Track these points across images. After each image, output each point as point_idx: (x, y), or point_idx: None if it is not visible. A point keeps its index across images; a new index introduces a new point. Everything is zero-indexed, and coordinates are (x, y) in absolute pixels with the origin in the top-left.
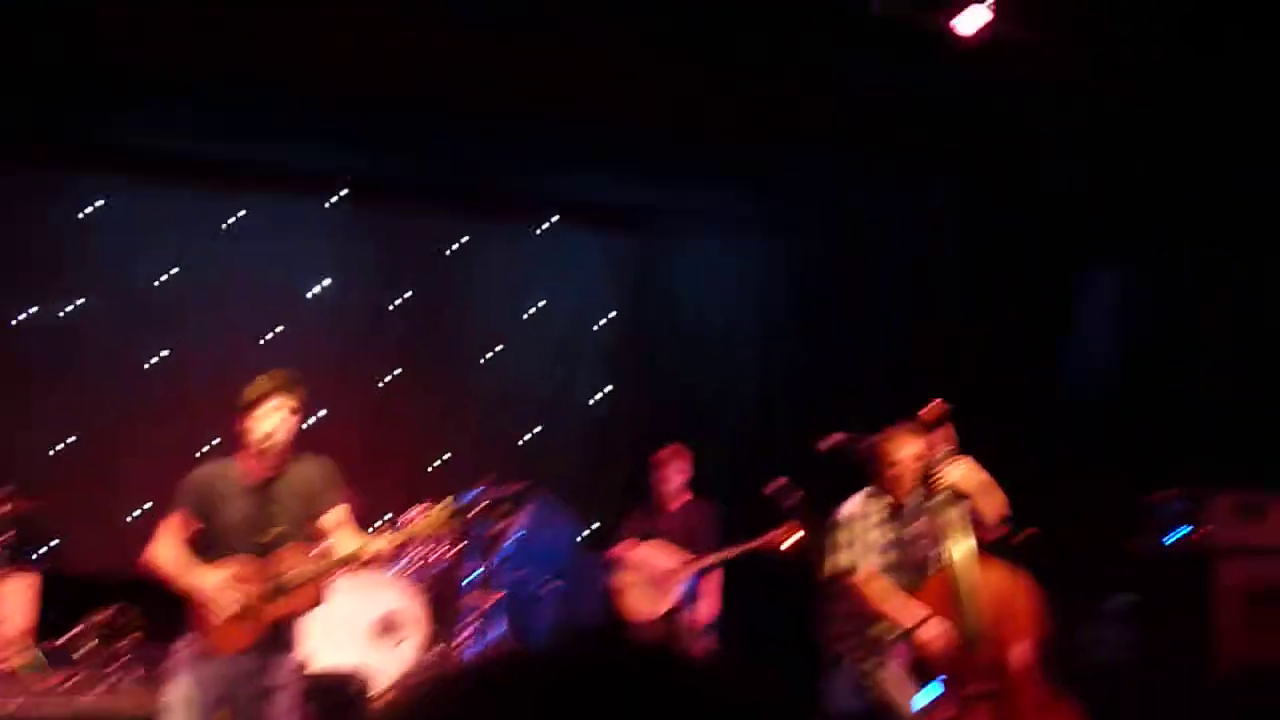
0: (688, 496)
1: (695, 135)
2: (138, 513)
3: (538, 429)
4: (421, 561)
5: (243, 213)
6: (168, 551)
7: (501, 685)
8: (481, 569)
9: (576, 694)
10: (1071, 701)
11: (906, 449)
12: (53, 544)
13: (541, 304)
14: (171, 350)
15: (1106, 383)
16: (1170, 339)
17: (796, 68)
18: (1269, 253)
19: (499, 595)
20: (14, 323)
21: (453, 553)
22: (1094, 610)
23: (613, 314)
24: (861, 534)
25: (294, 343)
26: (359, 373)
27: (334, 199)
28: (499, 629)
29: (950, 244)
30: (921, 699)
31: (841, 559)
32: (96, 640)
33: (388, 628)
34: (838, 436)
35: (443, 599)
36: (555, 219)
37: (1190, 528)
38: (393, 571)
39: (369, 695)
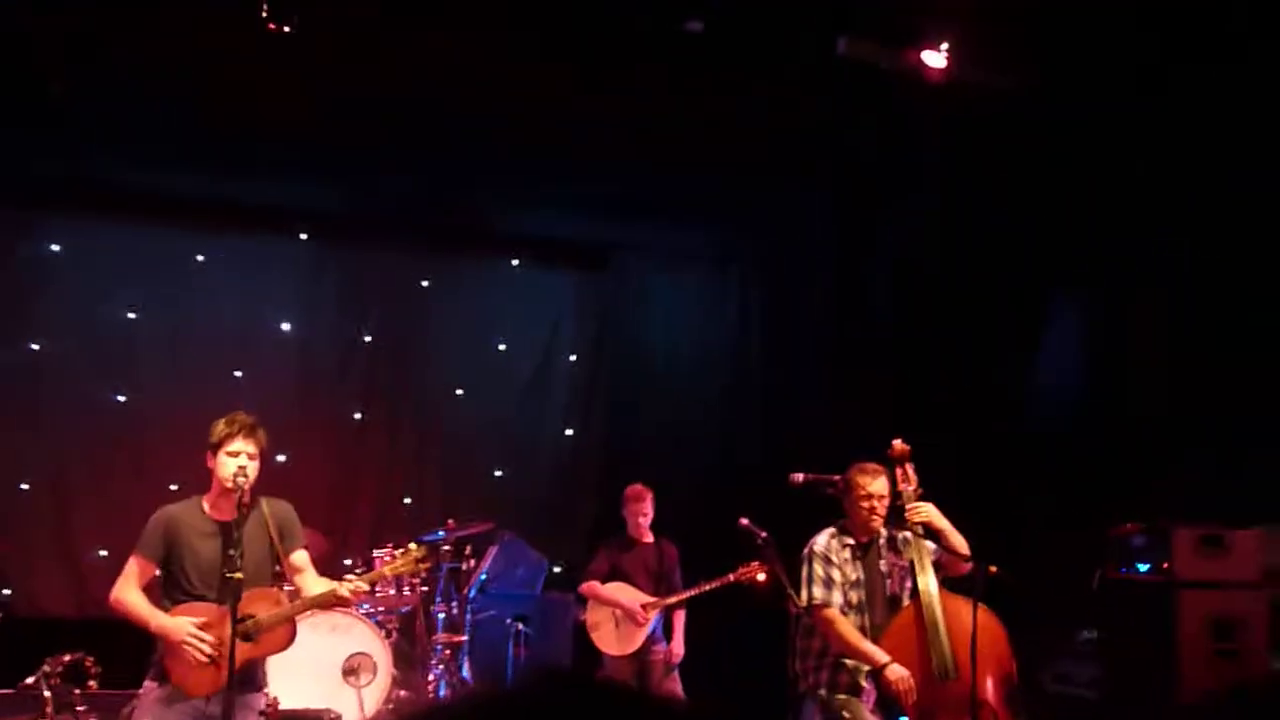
0: (651, 535)
1: (661, 174)
2: (98, 555)
3: (504, 468)
4: (388, 603)
5: (206, 253)
6: (136, 593)
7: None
8: (448, 610)
9: None
10: None
11: (875, 485)
12: (6, 590)
13: (507, 343)
14: (134, 391)
15: (1069, 415)
16: (1132, 369)
17: (762, 106)
18: (1231, 279)
19: (465, 636)
20: None
21: (419, 594)
22: (1060, 644)
23: (579, 352)
24: (828, 569)
25: (258, 383)
26: (324, 412)
27: (300, 238)
28: (465, 670)
29: (917, 280)
30: None
31: (813, 592)
32: (53, 686)
33: (354, 669)
34: (806, 474)
35: (409, 640)
36: (521, 257)
37: (1153, 562)
38: (359, 613)
39: None
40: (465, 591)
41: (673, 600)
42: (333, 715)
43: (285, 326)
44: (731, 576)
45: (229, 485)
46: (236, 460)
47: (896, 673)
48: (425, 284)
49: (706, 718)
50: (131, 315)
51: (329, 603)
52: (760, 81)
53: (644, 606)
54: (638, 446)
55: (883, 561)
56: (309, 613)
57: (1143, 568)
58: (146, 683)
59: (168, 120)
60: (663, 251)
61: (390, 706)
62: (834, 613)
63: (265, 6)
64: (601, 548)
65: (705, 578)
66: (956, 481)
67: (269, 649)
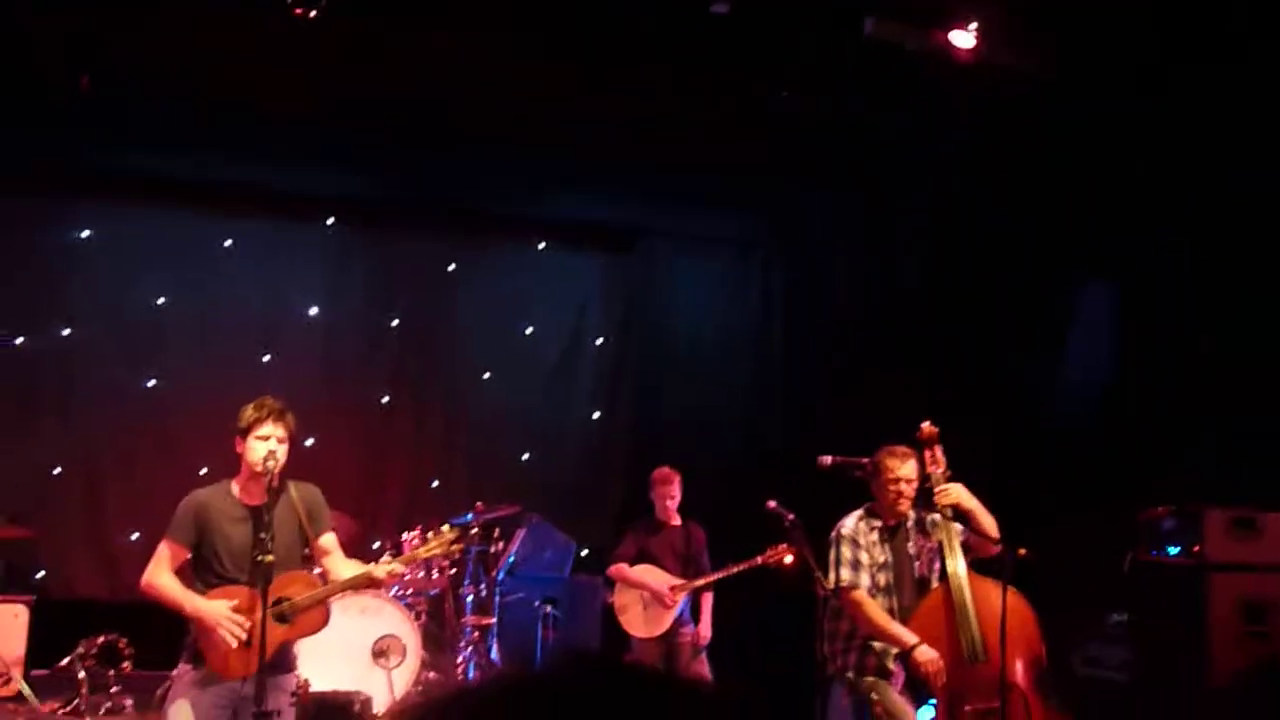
0: (678, 518)
1: (686, 159)
2: (130, 539)
3: (532, 451)
4: (417, 585)
5: (234, 239)
6: (169, 577)
7: (496, 707)
8: (476, 592)
9: (572, 716)
10: (1069, 718)
11: (904, 468)
12: (40, 573)
13: (534, 326)
14: (163, 376)
15: (1100, 398)
16: (1162, 354)
17: (788, 91)
18: (1259, 266)
19: (493, 619)
20: (4, 350)
21: (448, 576)
22: (1090, 627)
23: (605, 336)
24: (856, 552)
25: (286, 368)
26: (352, 397)
27: (326, 223)
28: (494, 652)
29: (942, 266)
30: (918, 718)
31: (841, 575)
32: (88, 668)
33: (383, 651)
34: (834, 457)
35: (438, 622)
36: (547, 241)
37: (1183, 544)
38: (388, 595)
39: (371, 715)
40: (494, 574)
41: (700, 583)
42: (362, 697)
43: (312, 311)
44: (759, 559)
45: (259, 469)
46: (266, 445)
47: (926, 654)
48: (451, 268)
49: (733, 701)
50: (160, 301)
51: (364, 584)
52: (786, 66)
53: (672, 589)
54: (665, 429)
55: (911, 544)
56: (340, 594)
57: (1173, 550)
58: (181, 665)
59: (195, 108)
60: (688, 235)
61: (419, 688)
62: (862, 594)
63: None
64: (629, 531)
65: (733, 560)
66: (985, 465)
67: (304, 631)
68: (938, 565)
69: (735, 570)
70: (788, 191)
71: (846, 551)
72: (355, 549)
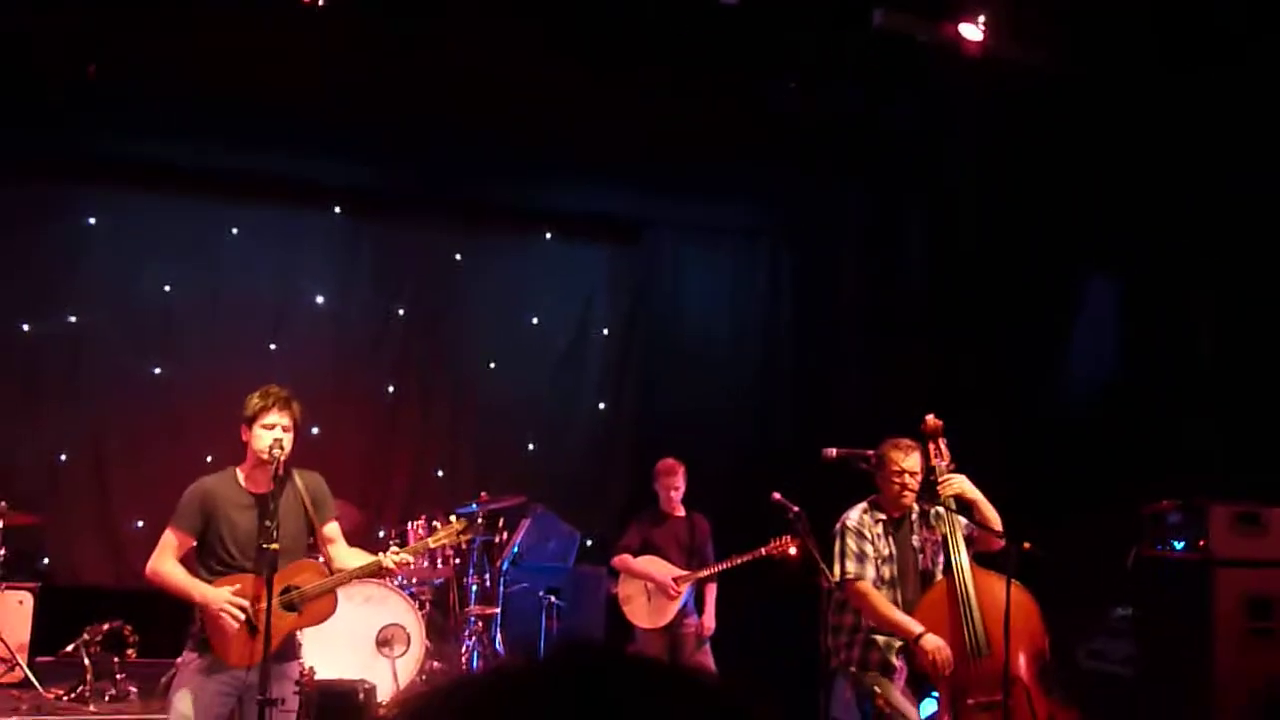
0: (683, 509)
1: (692, 148)
2: (135, 526)
3: (537, 441)
4: (421, 575)
5: (241, 227)
6: (175, 565)
7: (498, 696)
8: (480, 582)
9: (574, 705)
10: (1073, 712)
11: (908, 460)
12: (45, 560)
13: (540, 316)
14: (169, 364)
15: (1104, 392)
16: (1167, 348)
17: (795, 81)
18: (1262, 261)
19: (497, 609)
20: (11, 338)
21: (452, 566)
22: (1094, 622)
23: (611, 326)
24: (861, 544)
25: (293, 356)
26: (358, 385)
27: (334, 211)
28: (498, 642)
29: (947, 259)
30: (921, 712)
31: (846, 567)
32: (92, 655)
33: (387, 640)
34: (838, 449)
35: (442, 612)
36: (554, 231)
37: (1188, 539)
38: (393, 585)
39: (375, 704)
40: (498, 564)
41: (704, 574)
42: (367, 686)
43: (319, 300)
44: (763, 550)
45: (265, 457)
46: (272, 433)
47: (932, 642)
48: (458, 258)
49: (736, 691)
50: (167, 288)
51: (373, 574)
52: (794, 56)
53: (676, 580)
54: (670, 420)
55: (915, 537)
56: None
57: (1178, 545)
58: (186, 653)
59: (202, 96)
60: (694, 226)
61: (423, 677)
62: (867, 585)
63: None
64: (633, 521)
65: (737, 552)
66: (990, 458)
67: (313, 619)
68: (941, 558)
69: (739, 561)
70: (794, 183)
71: (852, 543)
72: (360, 538)
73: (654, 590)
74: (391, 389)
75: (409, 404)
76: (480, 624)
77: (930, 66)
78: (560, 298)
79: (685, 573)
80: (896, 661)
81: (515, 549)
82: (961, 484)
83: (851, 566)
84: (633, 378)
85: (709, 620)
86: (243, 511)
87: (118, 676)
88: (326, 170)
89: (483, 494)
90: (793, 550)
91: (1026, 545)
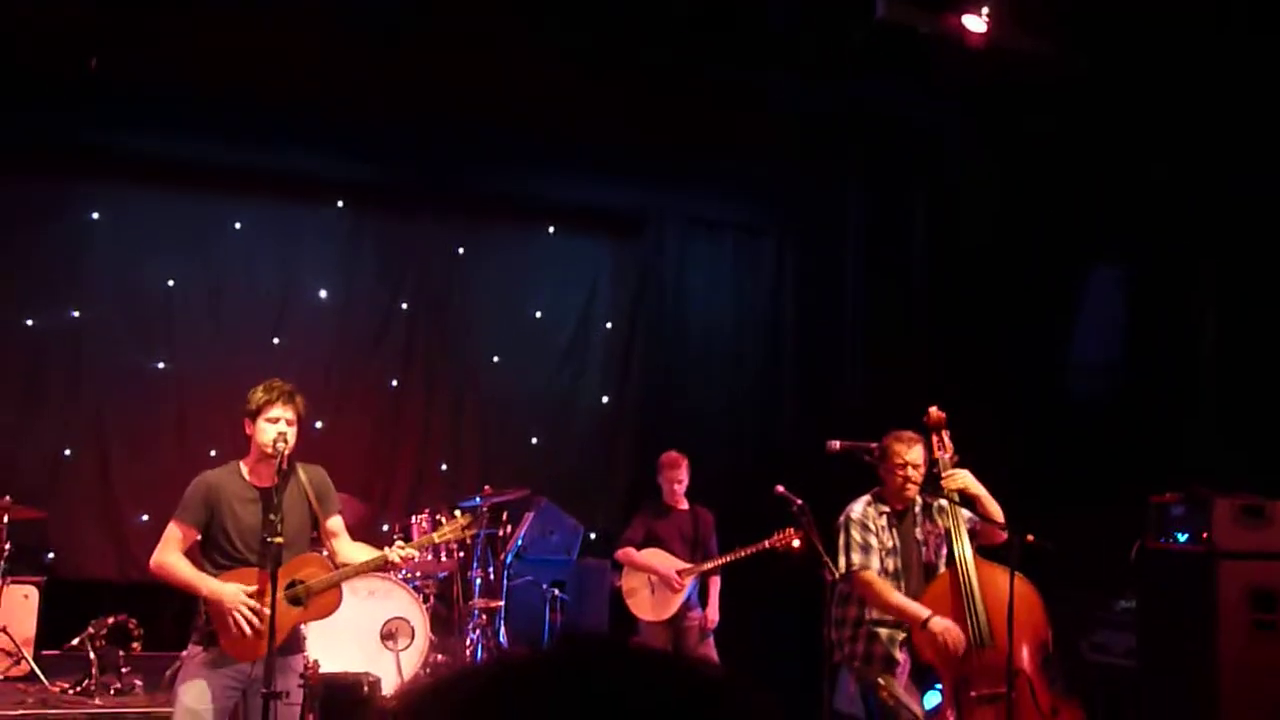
0: (686, 502)
1: (695, 141)
2: (140, 520)
3: (541, 434)
4: (425, 568)
5: (244, 221)
6: (180, 558)
7: (501, 687)
8: (484, 575)
9: (577, 696)
10: (1075, 704)
11: (911, 453)
12: (50, 554)
13: (544, 310)
14: (173, 358)
15: (1108, 384)
16: (1171, 340)
17: (798, 74)
18: (1266, 254)
19: (501, 602)
20: (14, 332)
21: (457, 559)
22: (1098, 614)
23: (615, 319)
24: (866, 535)
25: (296, 350)
26: (362, 379)
27: (337, 205)
28: (502, 635)
29: (951, 250)
30: (925, 705)
31: (851, 558)
32: (97, 648)
33: (392, 634)
34: (842, 441)
35: (446, 605)
36: (557, 224)
37: (1192, 531)
38: (397, 578)
39: (380, 697)
40: (502, 557)
41: (708, 566)
42: (371, 679)
43: (322, 293)
44: (767, 543)
45: (269, 451)
46: (276, 427)
47: (940, 624)
48: (461, 251)
49: (739, 682)
50: (170, 283)
51: (379, 568)
52: (797, 48)
53: (679, 573)
54: (673, 413)
55: (918, 529)
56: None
57: (1182, 537)
58: (191, 646)
59: (205, 90)
60: (698, 219)
61: (428, 670)
62: (872, 574)
63: None
64: (637, 514)
65: (741, 545)
66: (993, 450)
67: (318, 613)
68: (944, 551)
69: (743, 554)
70: (796, 177)
71: (856, 535)
72: (364, 532)
73: (658, 583)
74: (395, 383)
75: (412, 398)
76: (484, 617)
77: (933, 59)
78: (563, 291)
79: (689, 566)
80: (900, 655)
81: (519, 542)
82: (965, 479)
83: (856, 557)
84: (636, 371)
85: (712, 613)
86: (247, 505)
87: (123, 670)
88: (329, 164)
89: (486, 487)
90: (796, 543)
91: (1030, 538)
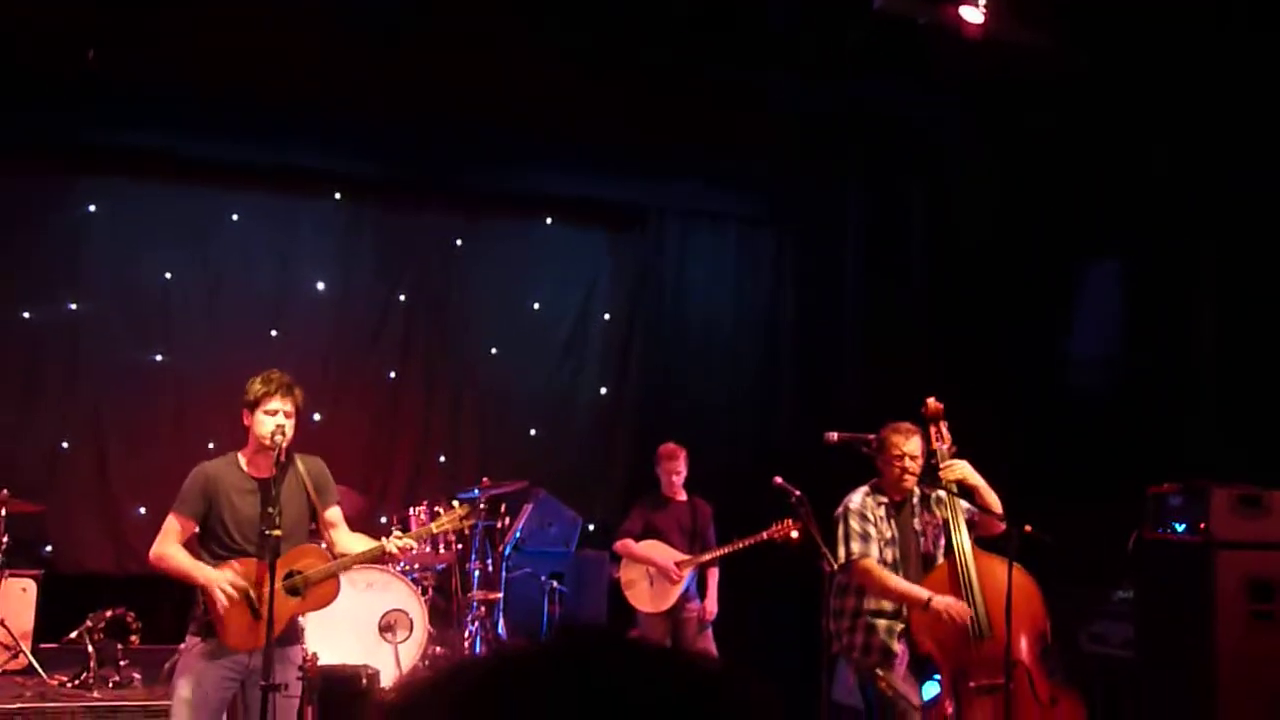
0: (684, 493)
1: (695, 134)
2: (138, 513)
3: (539, 426)
4: (424, 560)
5: (241, 214)
6: (178, 549)
7: (499, 680)
8: (483, 567)
9: (575, 689)
10: (1074, 695)
11: (909, 444)
12: (48, 547)
13: (542, 302)
14: (170, 351)
15: (1106, 375)
16: (1169, 331)
17: (798, 69)
18: (1265, 248)
19: (500, 594)
20: (11, 326)
21: (455, 551)
22: (1095, 604)
23: (613, 312)
24: (865, 525)
25: (294, 343)
26: (360, 372)
27: (334, 198)
28: (501, 627)
29: (949, 243)
30: (923, 695)
31: (851, 548)
32: (95, 642)
33: (390, 626)
34: (840, 433)
35: (445, 597)
36: (555, 216)
37: (1190, 522)
38: (395, 570)
39: (378, 689)
40: (500, 549)
41: (706, 558)
42: (369, 671)
43: (320, 286)
44: (765, 534)
45: (266, 444)
46: (274, 419)
47: (943, 600)
48: (459, 243)
49: (737, 674)
50: (167, 276)
51: (376, 558)
52: (796, 48)
53: (678, 564)
54: (672, 405)
55: (916, 520)
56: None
57: (1179, 528)
58: (189, 638)
59: (202, 83)
60: (697, 212)
61: (426, 663)
62: (872, 562)
63: None
64: (635, 506)
65: (739, 536)
66: (991, 441)
67: (315, 604)
68: (943, 541)
69: (741, 545)
70: (796, 171)
71: (855, 525)
72: (362, 524)
73: (656, 575)
74: (393, 375)
75: (411, 390)
76: (483, 609)
77: (931, 54)
78: (562, 283)
79: (687, 557)
80: (897, 646)
81: (517, 534)
82: (963, 469)
83: (856, 546)
84: (635, 363)
85: (711, 604)
86: (245, 496)
87: (121, 663)
88: (327, 156)
89: (485, 479)
90: (794, 534)
91: (1028, 528)
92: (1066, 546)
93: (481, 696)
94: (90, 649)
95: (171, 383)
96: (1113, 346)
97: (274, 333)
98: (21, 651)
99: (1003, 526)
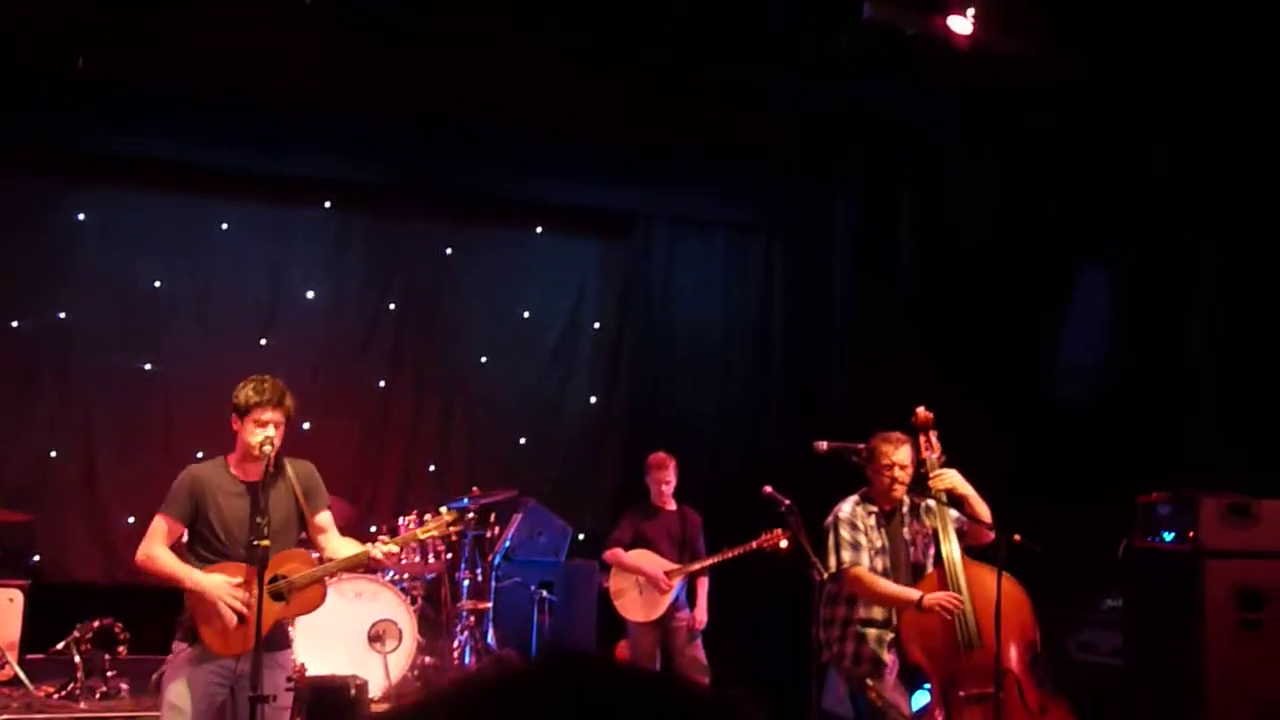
0: (674, 503)
1: (684, 142)
2: (126, 523)
3: (529, 435)
4: (413, 570)
5: (231, 222)
6: (165, 550)
7: (488, 708)
8: (472, 577)
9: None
10: (1063, 703)
11: (899, 454)
12: (35, 557)
13: (532, 310)
14: (160, 359)
15: (1096, 383)
16: (1159, 339)
17: (787, 76)
18: (1256, 255)
19: (489, 604)
20: (1, 334)
21: (444, 561)
22: (1084, 613)
23: (603, 320)
24: (855, 534)
25: (284, 351)
26: (349, 380)
27: (324, 206)
28: (490, 637)
29: (939, 251)
30: (913, 705)
31: (842, 557)
32: (83, 652)
33: (379, 636)
34: (830, 442)
35: (434, 607)
36: (545, 225)
37: (1178, 530)
38: (384, 580)
39: (367, 699)
40: (490, 559)
41: (696, 567)
42: (359, 681)
43: (310, 295)
44: (755, 544)
45: (255, 453)
46: (264, 431)
47: (933, 596)
48: (449, 252)
49: (729, 699)
50: (157, 284)
51: (361, 564)
52: (792, 50)
53: (667, 573)
54: (662, 414)
55: (906, 529)
56: (336, 578)
57: (1168, 536)
58: (176, 644)
59: (193, 90)
60: (687, 219)
61: (415, 673)
62: (863, 570)
63: None
64: (625, 515)
65: (729, 545)
66: (981, 450)
67: (301, 609)
68: (932, 551)
69: (730, 555)
70: (786, 178)
71: (846, 534)
72: (351, 533)
73: (645, 584)
74: (383, 384)
75: (400, 399)
76: (472, 619)
77: (923, 60)
78: (552, 292)
79: (677, 566)
80: (888, 655)
81: (507, 543)
82: (952, 479)
83: (847, 555)
84: (624, 372)
85: (701, 614)
86: (232, 499)
87: (108, 674)
88: (317, 165)
89: (474, 488)
90: (784, 543)
91: (1017, 538)
92: (1055, 555)
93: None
94: (77, 660)
95: (161, 391)
96: (1101, 353)
97: (264, 341)
98: (8, 662)
99: (992, 536)
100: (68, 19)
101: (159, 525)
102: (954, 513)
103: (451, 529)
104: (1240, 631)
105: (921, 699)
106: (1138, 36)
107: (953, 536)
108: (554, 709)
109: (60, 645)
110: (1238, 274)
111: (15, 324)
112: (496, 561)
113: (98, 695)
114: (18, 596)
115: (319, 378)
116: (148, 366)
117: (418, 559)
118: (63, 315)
